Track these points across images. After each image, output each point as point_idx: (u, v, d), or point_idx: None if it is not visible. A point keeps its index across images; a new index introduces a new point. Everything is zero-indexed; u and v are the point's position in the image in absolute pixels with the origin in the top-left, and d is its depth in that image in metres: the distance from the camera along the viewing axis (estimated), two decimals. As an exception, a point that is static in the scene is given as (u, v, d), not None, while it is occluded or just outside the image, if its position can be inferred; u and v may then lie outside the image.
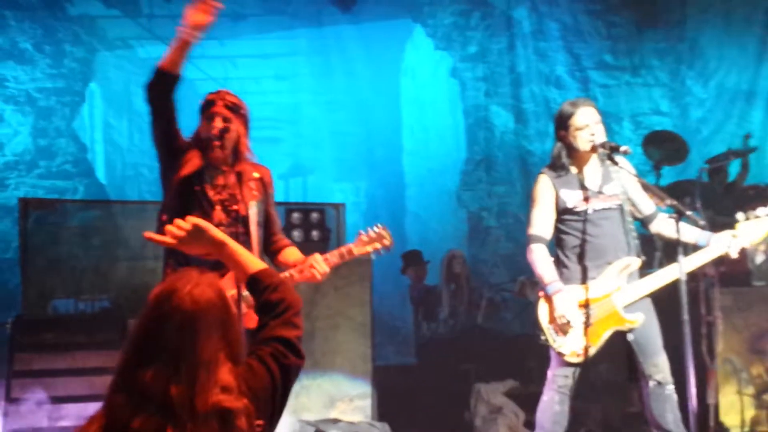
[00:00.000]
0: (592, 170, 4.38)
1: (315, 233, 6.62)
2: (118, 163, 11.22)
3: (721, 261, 5.96)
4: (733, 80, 10.95)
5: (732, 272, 6.02)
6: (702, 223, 4.34)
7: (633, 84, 10.99)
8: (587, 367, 4.34)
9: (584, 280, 4.22)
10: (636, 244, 4.32)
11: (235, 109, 4.02)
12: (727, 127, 10.71)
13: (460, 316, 8.25)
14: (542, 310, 4.26)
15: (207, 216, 3.93)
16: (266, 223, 4.18)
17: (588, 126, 4.28)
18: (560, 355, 4.21)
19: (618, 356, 4.55)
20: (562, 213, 4.32)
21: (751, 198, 7.11)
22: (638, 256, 4.31)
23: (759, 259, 6.11)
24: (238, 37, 11.47)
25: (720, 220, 5.48)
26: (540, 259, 4.28)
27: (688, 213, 4.19)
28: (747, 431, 5.54)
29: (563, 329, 4.16)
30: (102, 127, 11.15)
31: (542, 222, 4.34)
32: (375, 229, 4.16)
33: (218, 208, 3.96)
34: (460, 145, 11.03)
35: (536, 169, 11.19)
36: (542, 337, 4.24)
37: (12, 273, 8.11)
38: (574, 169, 4.38)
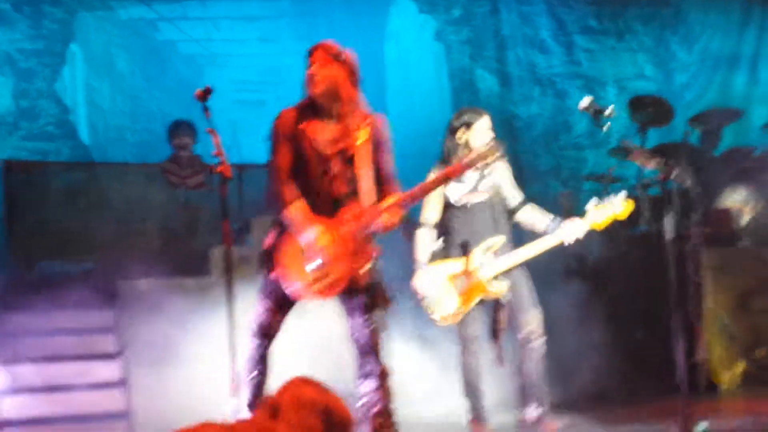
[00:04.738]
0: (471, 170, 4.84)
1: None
2: (100, 125, 11.05)
3: (707, 221, 6.03)
4: (717, 45, 10.95)
5: (718, 233, 6.09)
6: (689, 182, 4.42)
7: (618, 49, 10.96)
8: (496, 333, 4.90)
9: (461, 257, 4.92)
10: (506, 229, 4.99)
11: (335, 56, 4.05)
12: (711, 92, 10.74)
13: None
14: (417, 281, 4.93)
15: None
16: (377, 175, 4.14)
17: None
18: (431, 315, 4.89)
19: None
20: (447, 206, 5.00)
21: (736, 160, 7.17)
22: (507, 238, 4.95)
23: (744, 219, 6.18)
24: (220, -3, 11.31)
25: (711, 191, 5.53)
26: (419, 242, 4.98)
27: (674, 174, 4.22)
28: (737, 387, 5.63)
29: (425, 302, 4.89)
30: (84, 89, 10.96)
31: (430, 210, 5.02)
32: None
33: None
34: (445, 108, 10.96)
35: (522, 133, 11.13)
36: (423, 303, 4.90)
37: (-3, 235, 8.05)
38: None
